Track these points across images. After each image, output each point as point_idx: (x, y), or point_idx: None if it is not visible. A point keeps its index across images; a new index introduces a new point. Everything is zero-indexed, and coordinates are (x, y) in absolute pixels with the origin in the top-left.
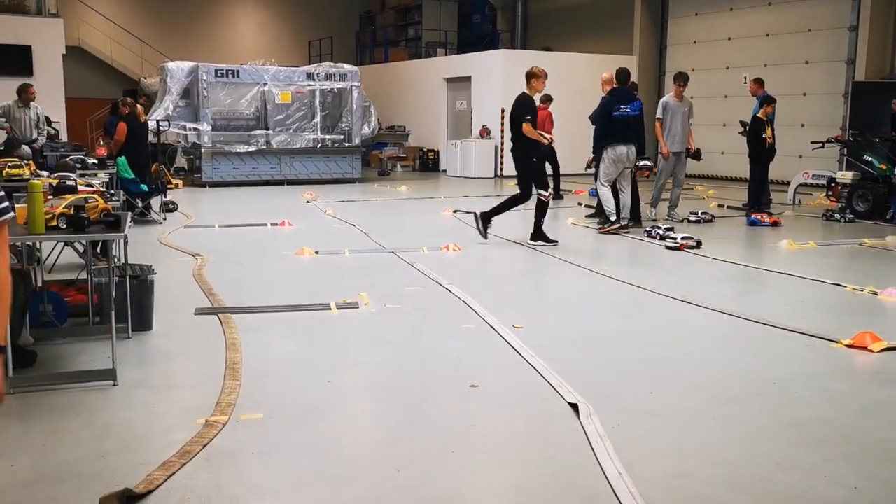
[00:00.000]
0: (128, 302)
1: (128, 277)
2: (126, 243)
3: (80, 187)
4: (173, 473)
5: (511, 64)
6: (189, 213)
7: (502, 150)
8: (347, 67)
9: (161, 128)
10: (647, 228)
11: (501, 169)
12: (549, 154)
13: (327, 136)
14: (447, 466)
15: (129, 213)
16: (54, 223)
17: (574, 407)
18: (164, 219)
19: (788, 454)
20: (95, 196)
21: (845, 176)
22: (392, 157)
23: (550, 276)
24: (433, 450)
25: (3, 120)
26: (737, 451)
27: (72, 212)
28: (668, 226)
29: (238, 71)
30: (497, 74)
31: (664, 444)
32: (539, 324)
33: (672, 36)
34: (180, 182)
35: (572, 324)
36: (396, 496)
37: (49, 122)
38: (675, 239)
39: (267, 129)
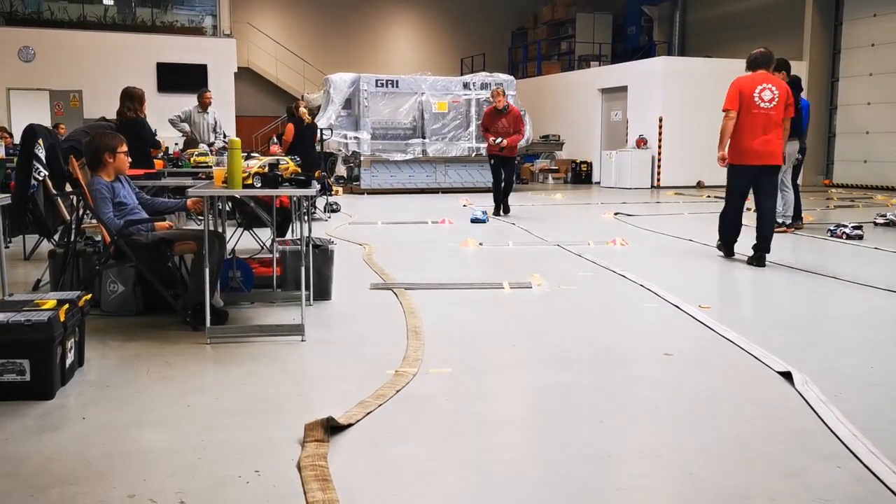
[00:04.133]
0: (311, 270)
1: (310, 247)
2: (310, 217)
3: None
4: (371, 412)
5: (670, 71)
6: (351, 213)
7: (659, 160)
8: (502, 76)
9: (324, 136)
10: (832, 227)
11: (658, 179)
12: None
13: (482, 145)
14: (653, 422)
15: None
16: (250, 181)
17: (786, 375)
18: (329, 217)
19: None
20: (287, 159)
21: None
22: (544, 169)
23: (727, 264)
24: (636, 406)
25: (185, 124)
26: None
27: (266, 171)
28: (856, 224)
29: (397, 81)
30: (655, 83)
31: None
32: (728, 305)
33: (847, 38)
34: (340, 189)
35: (764, 306)
36: (605, 441)
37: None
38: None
39: (423, 137)
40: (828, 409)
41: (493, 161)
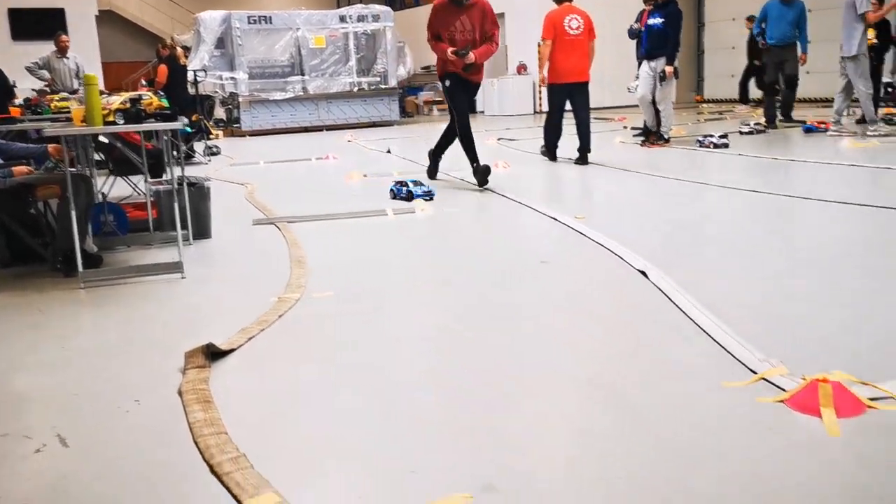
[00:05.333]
0: (187, 209)
1: (185, 185)
2: (181, 154)
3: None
4: (253, 336)
5: None
6: (233, 155)
7: (541, 85)
8: (379, 8)
9: (198, 78)
10: (700, 138)
11: (540, 104)
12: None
13: (363, 80)
14: (532, 310)
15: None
16: (111, 118)
17: (644, 274)
18: (209, 160)
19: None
20: (150, 94)
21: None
22: (428, 101)
23: (604, 180)
24: (516, 301)
25: (45, 71)
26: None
27: (128, 106)
28: (722, 133)
29: (270, 17)
30: (532, 8)
31: (743, 293)
32: (600, 215)
33: None
34: (220, 133)
35: (633, 214)
36: (494, 335)
37: None
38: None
39: (302, 74)
40: (683, 297)
41: (450, 85)
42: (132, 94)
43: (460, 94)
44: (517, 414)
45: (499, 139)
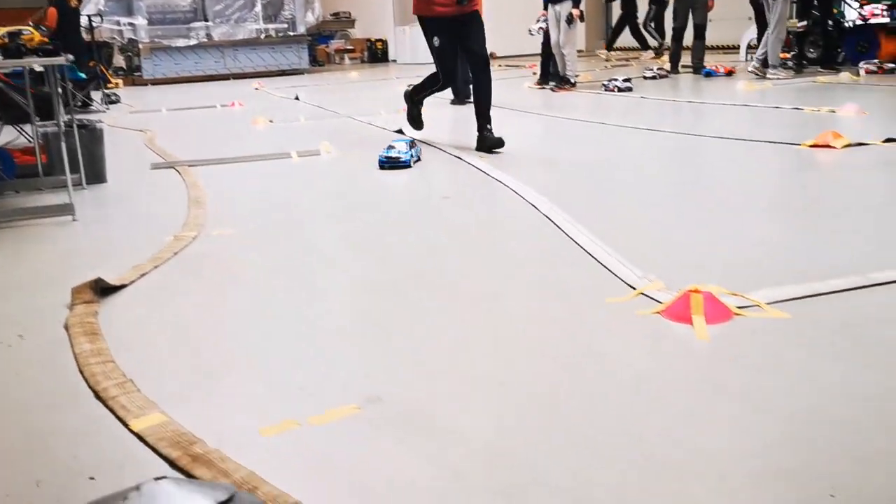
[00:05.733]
0: (78, 151)
1: (76, 127)
2: (71, 95)
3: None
4: (146, 273)
5: None
6: (133, 103)
7: None
8: None
9: (93, 24)
10: (605, 83)
11: None
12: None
13: (270, 26)
14: (429, 238)
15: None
16: None
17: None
18: (107, 109)
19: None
20: (30, 28)
21: (795, 24)
22: (339, 49)
23: (510, 122)
24: (415, 229)
25: None
26: (708, 219)
27: (7, 41)
28: (626, 78)
29: None
30: None
31: (630, 220)
32: (504, 154)
33: None
34: (120, 82)
35: (535, 152)
36: (390, 270)
37: None
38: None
39: (206, 20)
40: (573, 226)
41: (430, 27)
42: (11, 28)
43: (450, 53)
44: (409, 332)
45: (409, 85)
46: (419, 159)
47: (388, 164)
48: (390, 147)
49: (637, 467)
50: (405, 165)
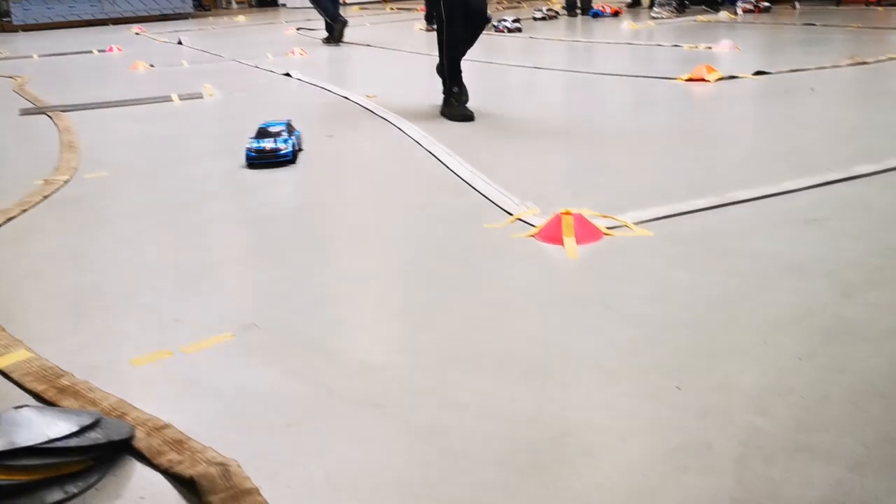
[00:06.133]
0: None
1: None
2: None
3: None
4: (13, 217)
5: None
6: (1, 50)
7: None
8: None
9: None
10: (495, 24)
11: None
12: None
13: None
14: (310, 173)
15: None
16: None
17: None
18: None
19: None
20: None
21: None
22: None
23: (400, 63)
24: (297, 167)
25: None
26: (588, 156)
27: None
28: (515, 18)
29: None
30: None
31: (511, 154)
32: (393, 93)
33: None
34: None
35: (419, 91)
36: (266, 205)
37: None
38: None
39: None
40: (453, 158)
41: None
42: None
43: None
44: (287, 264)
45: (297, 28)
46: (301, 148)
47: (261, 160)
48: (262, 135)
49: (506, 372)
50: (285, 161)
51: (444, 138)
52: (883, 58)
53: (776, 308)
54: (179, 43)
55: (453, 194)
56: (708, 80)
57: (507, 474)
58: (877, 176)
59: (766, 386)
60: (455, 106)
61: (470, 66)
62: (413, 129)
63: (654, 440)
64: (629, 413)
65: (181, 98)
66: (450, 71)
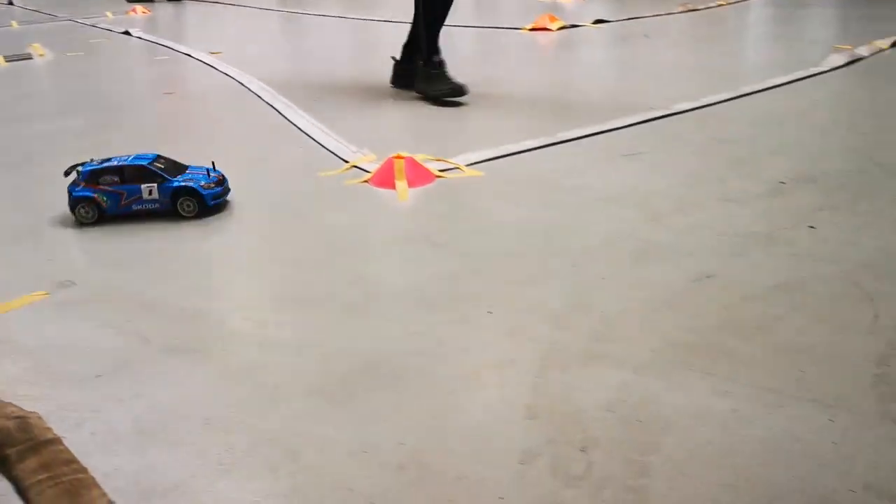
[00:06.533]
0: None
1: None
2: None
3: None
4: None
5: None
6: None
7: None
8: None
9: None
10: None
11: None
12: None
13: None
14: (145, 128)
15: None
16: None
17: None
18: None
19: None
20: None
21: None
22: None
23: (249, 20)
24: (132, 124)
25: None
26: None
27: None
28: None
29: None
30: None
31: (345, 101)
32: (238, 49)
33: None
34: None
35: (270, 45)
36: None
37: None
38: None
39: None
40: (293, 110)
41: None
42: None
43: None
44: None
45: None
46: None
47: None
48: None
49: (327, 310)
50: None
51: (286, 92)
52: (713, 4)
53: (588, 236)
54: (10, 3)
55: (292, 145)
56: (550, 29)
57: (318, 404)
58: (692, 112)
59: (570, 305)
60: (440, 80)
61: (287, 18)
62: (255, 84)
63: (461, 361)
64: (440, 339)
65: (7, 59)
66: (429, 42)
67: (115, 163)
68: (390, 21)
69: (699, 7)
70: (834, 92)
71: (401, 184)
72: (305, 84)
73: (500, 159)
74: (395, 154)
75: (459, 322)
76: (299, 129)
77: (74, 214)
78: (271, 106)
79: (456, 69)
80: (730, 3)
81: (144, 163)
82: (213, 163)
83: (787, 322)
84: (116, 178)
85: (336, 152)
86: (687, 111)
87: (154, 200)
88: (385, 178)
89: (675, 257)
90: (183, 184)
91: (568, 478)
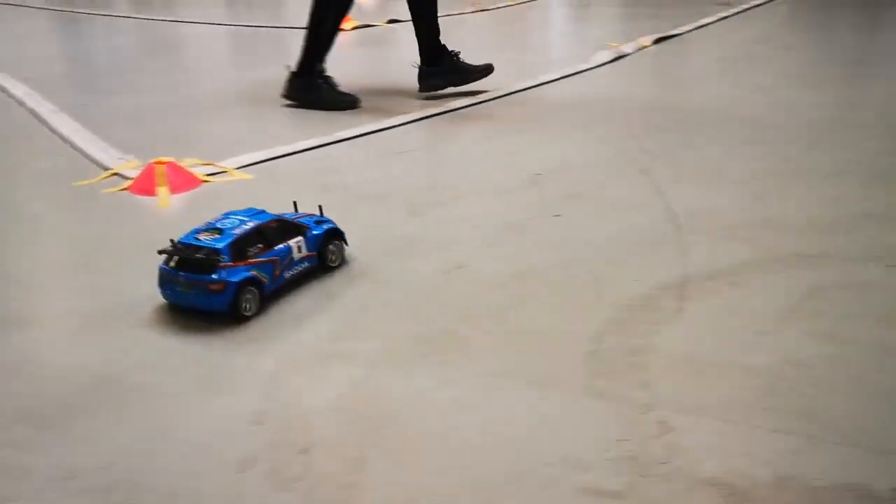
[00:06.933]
0: None
1: None
2: None
3: None
4: None
5: None
6: None
7: None
8: None
9: None
10: None
11: None
12: None
13: None
14: None
15: None
16: None
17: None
18: None
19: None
20: None
21: None
22: None
23: (22, 21)
24: None
25: None
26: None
27: None
28: None
29: None
30: None
31: (126, 107)
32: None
33: None
34: None
35: (41, 50)
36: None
37: None
38: None
39: None
40: (57, 115)
41: None
42: None
43: None
44: None
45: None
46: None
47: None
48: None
49: (71, 319)
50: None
51: (55, 98)
52: (502, 5)
53: (354, 231)
54: None
55: (50, 154)
56: (344, 30)
57: (25, 431)
58: (466, 109)
59: (313, 308)
60: (328, 90)
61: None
62: (19, 88)
63: (193, 373)
64: (171, 351)
65: None
66: (318, 49)
67: (251, 223)
68: (180, 21)
69: (488, 7)
70: (596, 87)
71: (163, 190)
72: (80, 87)
73: (274, 161)
74: (156, 159)
75: (195, 333)
76: (59, 135)
77: (236, 310)
78: (33, 113)
79: (246, 72)
80: (519, 4)
81: (273, 216)
82: None
83: (520, 309)
84: (261, 245)
85: (100, 160)
86: (461, 108)
87: (303, 259)
88: (146, 185)
89: (431, 250)
90: (330, 226)
91: (284, 481)
